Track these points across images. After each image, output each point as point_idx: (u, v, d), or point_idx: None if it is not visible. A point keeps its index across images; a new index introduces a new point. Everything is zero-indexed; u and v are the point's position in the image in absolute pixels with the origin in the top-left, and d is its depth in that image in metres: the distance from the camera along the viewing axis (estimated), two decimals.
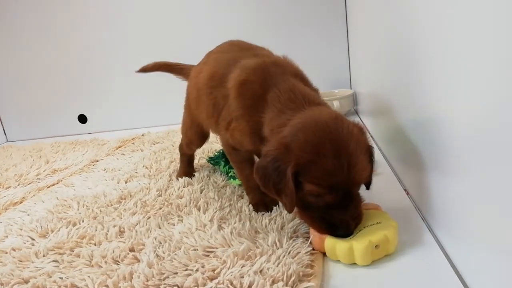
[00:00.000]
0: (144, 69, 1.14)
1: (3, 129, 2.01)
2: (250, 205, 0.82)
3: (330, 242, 0.61)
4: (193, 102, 0.92)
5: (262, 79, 0.70)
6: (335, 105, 1.48)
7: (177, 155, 1.26)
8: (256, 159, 0.78)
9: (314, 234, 0.64)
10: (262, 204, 0.79)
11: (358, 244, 0.59)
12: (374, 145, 1.12)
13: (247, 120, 0.71)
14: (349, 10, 1.60)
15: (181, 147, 1.08)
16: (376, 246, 0.59)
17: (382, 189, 0.81)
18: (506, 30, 0.37)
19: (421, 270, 0.58)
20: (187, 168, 1.08)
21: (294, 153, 0.58)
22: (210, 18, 1.72)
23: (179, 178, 1.02)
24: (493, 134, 0.42)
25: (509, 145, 0.38)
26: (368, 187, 0.68)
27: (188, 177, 1.04)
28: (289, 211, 0.63)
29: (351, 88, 1.71)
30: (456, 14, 0.49)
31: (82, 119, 1.94)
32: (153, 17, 1.75)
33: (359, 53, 1.46)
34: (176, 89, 1.79)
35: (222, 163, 1.07)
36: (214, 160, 1.11)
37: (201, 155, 1.24)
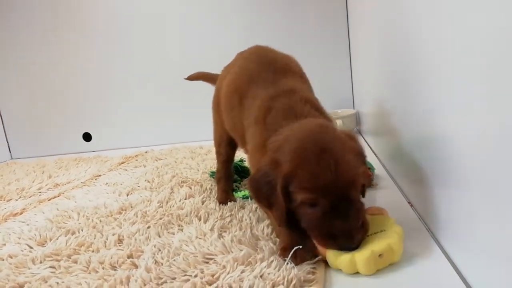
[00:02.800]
0: (190, 78, 1.23)
1: (8, 147, 2.02)
2: (250, 214, 0.81)
3: (331, 253, 0.60)
4: (220, 105, 0.90)
5: (268, 107, 0.70)
6: (338, 124, 1.49)
7: (179, 170, 1.26)
8: None
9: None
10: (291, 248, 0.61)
11: (360, 255, 0.57)
12: (376, 161, 1.12)
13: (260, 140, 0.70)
14: (352, 30, 1.63)
15: (215, 144, 1.01)
16: (380, 255, 0.58)
17: (386, 202, 0.80)
18: None
19: (427, 279, 0.56)
20: (225, 170, 0.98)
21: (282, 166, 0.58)
22: (212, 38, 1.75)
23: (217, 194, 0.97)
24: (495, 146, 0.42)
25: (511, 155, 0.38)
26: (363, 194, 0.66)
27: (225, 179, 0.96)
28: (280, 225, 0.62)
29: (354, 108, 1.72)
30: (459, 33, 0.49)
31: (87, 137, 1.96)
32: (158, 38, 1.79)
33: (362, 73, 1.48)
34: (179, 109, 1.83)
35: None
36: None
37: (203, 170, 1.23)
